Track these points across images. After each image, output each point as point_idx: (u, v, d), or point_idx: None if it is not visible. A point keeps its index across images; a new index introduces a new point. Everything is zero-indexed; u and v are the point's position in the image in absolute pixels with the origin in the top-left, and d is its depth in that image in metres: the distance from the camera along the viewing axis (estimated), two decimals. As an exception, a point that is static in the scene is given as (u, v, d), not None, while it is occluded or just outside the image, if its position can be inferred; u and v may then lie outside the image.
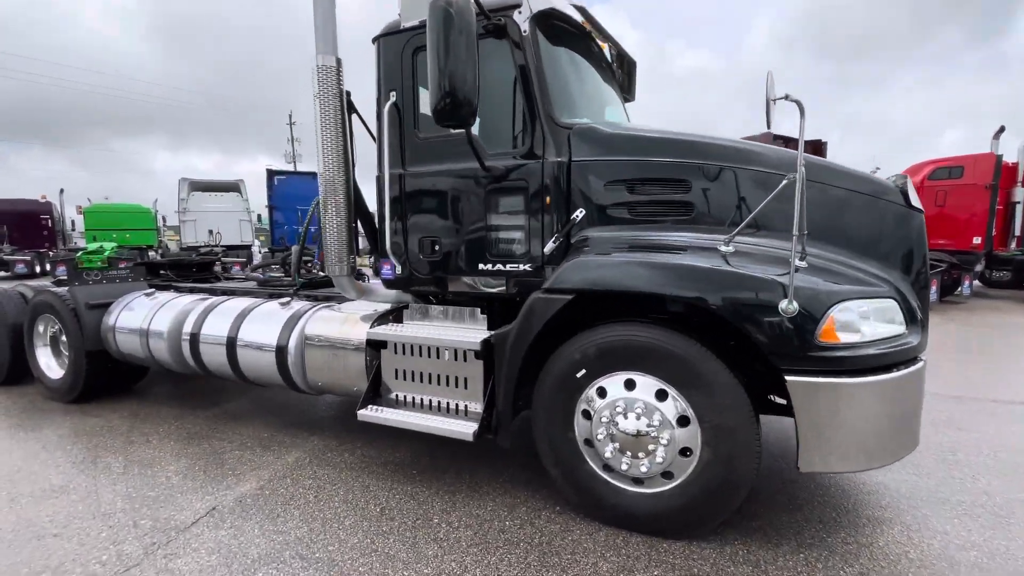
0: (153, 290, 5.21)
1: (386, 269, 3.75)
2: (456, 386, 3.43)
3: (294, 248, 5.63)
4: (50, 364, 5.62)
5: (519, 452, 4.00)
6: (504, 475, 3.69)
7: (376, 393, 3.75)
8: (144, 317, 4.84)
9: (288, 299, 4.40)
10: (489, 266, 3.35)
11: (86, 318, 5.08)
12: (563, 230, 3.10)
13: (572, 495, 3.10)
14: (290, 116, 46.54)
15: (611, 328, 2.88)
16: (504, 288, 3.36)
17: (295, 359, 4.02)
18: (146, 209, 25.29)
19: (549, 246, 3.12)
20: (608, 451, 2.87)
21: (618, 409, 2.83)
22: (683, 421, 2.74)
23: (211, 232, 21.43)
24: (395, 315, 3.97)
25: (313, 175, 22.43)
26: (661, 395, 2.78)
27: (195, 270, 6.71)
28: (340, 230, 3.74)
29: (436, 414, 3.49)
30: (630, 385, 2.84)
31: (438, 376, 3.48)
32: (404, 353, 3.59)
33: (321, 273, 5.66)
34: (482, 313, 3.52)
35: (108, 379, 5.41)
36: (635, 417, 2.80)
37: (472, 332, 3.43)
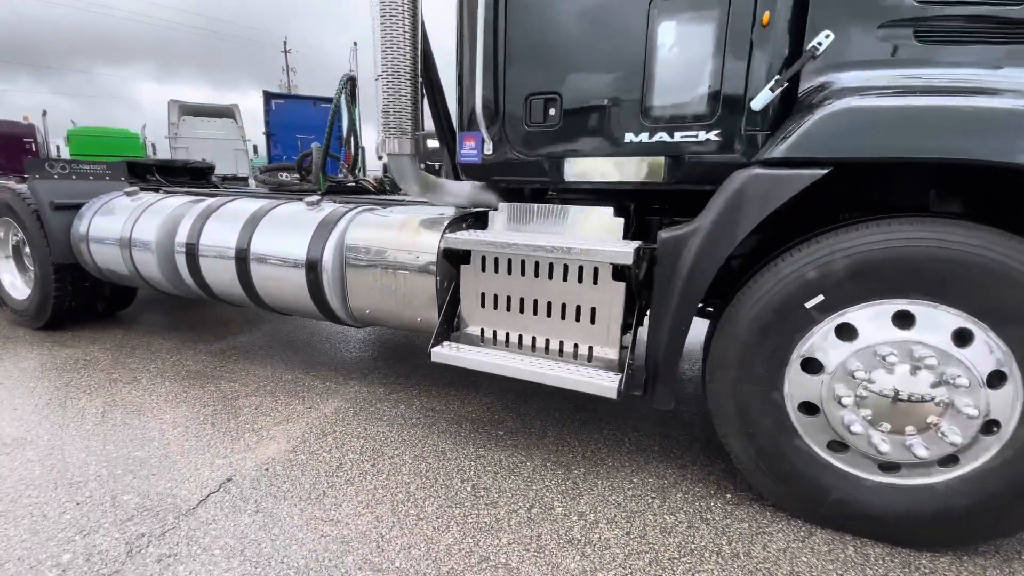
0: (136, 188, 4.01)
1: (467, 149, 2.57)
2: (577, 319, 2.35)
3: (314, 146, 4.40)
4: (14, 281, 4.48)
5: (634, 406, 2.98)
6: (627, 442, 2.68)
7: (448, 326, 2.68)
8: (125, 222, 3.66)
9: (316, 197, 3.23)
10: (644, 136, 2.18)
11: (52, 222, 3.90)
12: (793, 67, 1.91)
13: (767, 482, 2.07)
14: (284, 43, 43.35)
15: (884, 228, 1.75)
16: (663, 175, 2.21)
17: (332, 279, 2.91)
18: (134, 134, 23.37)
19: (763, 97, 1.94)
20: (850, 420, 1.83)
21: (880, 358, 1.76)
22: (995, 379, 1.69)
23: (203, 160, 19.79)
24: (470, 223, 2.84)
25: (314, 100, 20.51)
26: (962, 337, 1.71)
27: (189, 178, 5.47)
28: (403, 93, 2.53)
29: (540, 357, 2.43)
30: (904, 321, 1.76)
31: (547, 305, 2.39)
32: (497, 271, 2.47)
33: (349, 179, 4.49)
34: (617, 215, 2.39)
35: (85, 301, 4.30)
36: (909, 371, 1.74)
37: (607, 240, 2.32)
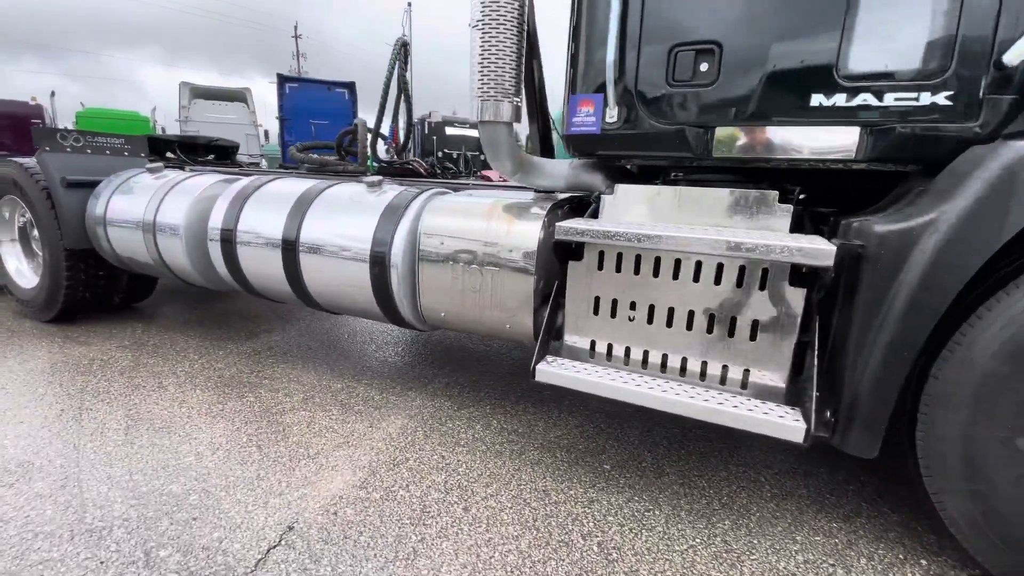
0: (160, 164, 3.50)
1: (581, 116, 2.04)
2: (730, 334, 1.84)
3: (359, 121, 3.89)
4: (20, 267, 4.00)
5: (751, 434, 2.48)
6: (765, 483, 2.18)
7: (549, 336, 2.18)
8: (148, 203, 3.17)
9: (377, 178, 2.72)
10: (839, 99, 1.65)
11: (64, 202, 3.41)
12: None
13: (994, 552, 1.57)
14: (295, 28, 42.64)
15: None
16: (858, 150, 1.69)
17: (402, 274, 2.41)
18: (144, 117, 22.83)
19: (1021, 49, 1.42)
20: None
21: None
22: None
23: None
24: (566, 211, 2.34)
25: (328, 85, 19.90)
26: None
27: (213, 157, 4.97)
28: (506, 45, 2.01)
29: (674, 380, 1.93)
30: None
31: (688, 314, 1.88)
32: (620, 270, 1.97)
33: (396, 159, 3.98)
34: (783, 201, 1.88)
35: (100, 292, 3.82)
36: None
37: (781, 234, 1.81)
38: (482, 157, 15.90)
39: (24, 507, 1.85)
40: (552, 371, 1.97)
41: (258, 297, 3.12)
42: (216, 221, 2.87)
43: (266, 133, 21.20)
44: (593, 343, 2.08)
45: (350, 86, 18.51)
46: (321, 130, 17.89)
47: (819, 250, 1.58)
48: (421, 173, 3.87)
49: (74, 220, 3.42)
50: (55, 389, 2.78)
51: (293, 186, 2.87)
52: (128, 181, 3.41)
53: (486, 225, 2.26)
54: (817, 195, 2.20)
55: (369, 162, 3.55)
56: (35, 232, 3.82)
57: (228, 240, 2.83)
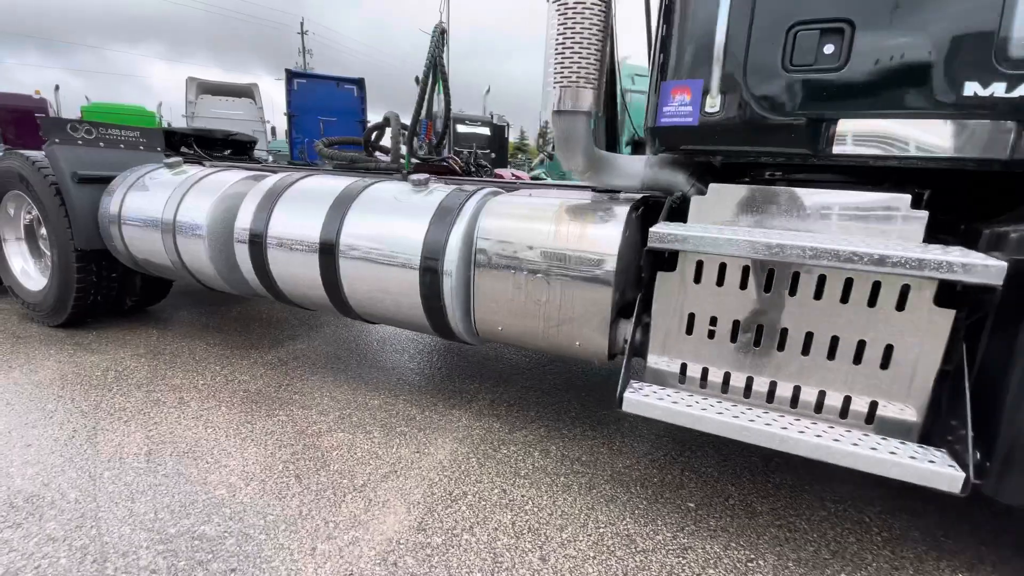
0: (179, 159, 3.24)
1: (674, 105, 1.78)
2: (856, 360, 1.58)
3: (391, 114, 3.63)
4: (26, 268, 3.74)
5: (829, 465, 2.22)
6: (872, 525, 1.92)
7: (631, 358, 1.92)
8: (167, 201, 2.91)
9: (424, 176, 2.46)
10: (997, 88, 1.38)
11: (75, 199, 3.15)
12: None
13: None
14: (301, 25, 42.43)
15: None
16: (1011, 147, 1.43)
17: (456, 284, 2.15)
18: (150, 113, 22.54)
19: None
20: None
21: None
22: None
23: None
24: (640, 213, 2.08)
25: (338, 81, 19.66)
26: None
27: (230, 152, 4.71)
28: (590, 24, 1.75)
29: (785, 412, 1.67)
30: None
31: (806, 336, 1.62)
32: (721, 283, 1.71)
33: (432, 156, 3.73)
34: (916, 207, 1.62)
35: (112, 295, 3.56)
36: None
37: (908, 241, 1.55)
38: (493, 155, 15.49)
39: (34, 554, 1.59)
40: (644, 401, 1.71)
41: (286, 304, 2.86)
42: (244, 221, 2.61)
43: (272, 130, 20.93)
44: (684, 366, 1.82)
45: (359, 82, 18.20)
46: (329, 127, 17.61)
47: (985, 266, 1.32)
48: (456, 171, 3.62)
49: (86, 218, 3.16)
50: (66, 405, 2.52)
51: (329, 184, 2.61)
52: (145, 177, 3.15)
53: (554, 228, 2.00)
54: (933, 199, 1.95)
55: (404, 159, 3.28)
56: (43, 230, 3.56)
57: (257, 242, 2.56)
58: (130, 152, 3.54)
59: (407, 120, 3.36)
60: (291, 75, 18.85)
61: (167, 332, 3.61)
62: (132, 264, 3.28)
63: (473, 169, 3.79)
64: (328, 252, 2.38)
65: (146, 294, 3.82)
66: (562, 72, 1.79)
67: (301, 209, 2.51)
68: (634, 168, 2.09)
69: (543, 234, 2.01)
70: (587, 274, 1.91)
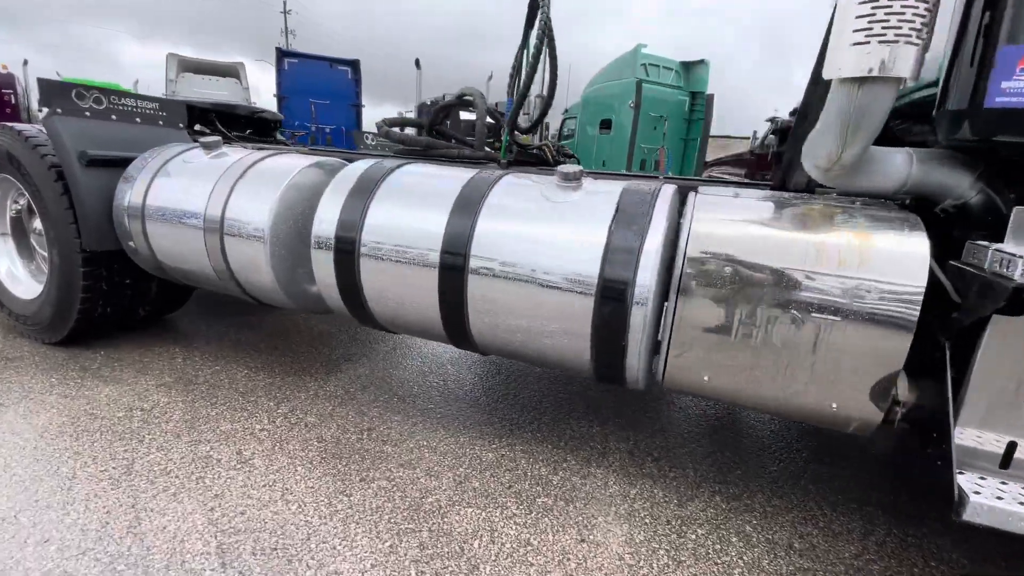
0: (218, 139, 2.54)
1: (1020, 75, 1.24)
2: None
3: (473, 91, 3.01)
4: (14, 270, 3.00)
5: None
6: None
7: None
8: (214, 193, 2.23)
9: (577, 168, 1.85)
10: None
11: (83, 185, 2.44)
12: None
13: None
14: (284, 4, 40.65)
15: None
16: None
17: (650, 316, 1.57)
18: (126, 90, 21.17)
19: None
20: None
21: None
22: None
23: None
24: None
25: (331, 62, 18.62)
26: None
27: (251, 132, 3.98)
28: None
29: None
30: None
31: None
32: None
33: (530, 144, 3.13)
34: None
35: (124, 305, 2.87)
36: None
37: None
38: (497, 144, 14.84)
39: None
40: (1009, 510, 1.17)
41: (370, 326, 2.23)
42: (326, 222, 1.96)
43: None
44: (1013, 446, 1.29)
45: (354, 64, 17.25)
46: (322, 110, 16.68)
47: None
48: (548, 161, 3.02)
49: (97, 212, 2.46)
50: (87, 467, 1.86)
51: (440, 176, 1.99)
52: (176, 160, 2.45)
53: (814, 241, 1.43)
54: None
55: (502, 148, 2.66)
56: (36, 224, 2.83)
57: (346, 250, 1.93)
58: (147, 127, 2.82)
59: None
60: (281, 54, 17.77)
61: (193, 352, 2.93)
62: (154, 269, 2.59)
63: (561, 159, 3.20)
64: (455, 267, 1.76)
65: (162, 302, 3.13)
66: (871, 24, 1.22)
67: (409, 208, 1.88)
68: (898, 166, 1.53)
69: (798, 250, 1.44)
70: (875, 311, 1.35)
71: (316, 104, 16.38)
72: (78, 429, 2.08)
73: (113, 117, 2.69)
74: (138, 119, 2.80)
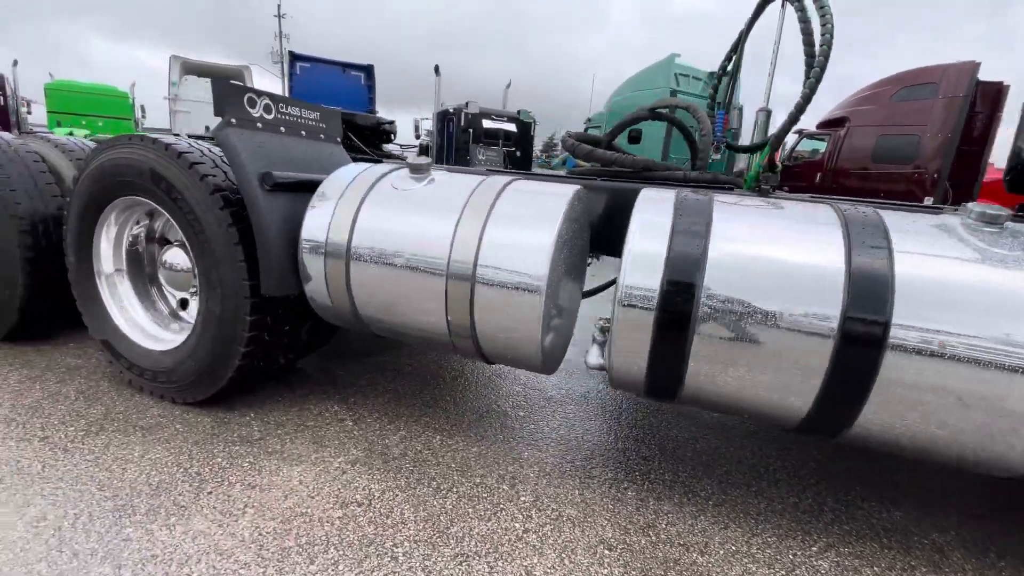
0: (428, 160, 2.04)
1: None
2: None
3: (683, 104, 2.58)
4: (135, 318, 2.44)
5: None
6: None
7: None
8: (453, 230, 1.71)
9: (1010, 212, 1.43)
10: None
11: (266, 215, 1.91)
12: None
13: None
14: (279, 8, 39.73)
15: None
16: None
17: None
18: (123, 92, 20.18)
19: None
20: None
21: None
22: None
23: (207, 128, 17.10)
24: None
25: (343, 67, 18.02)
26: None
27: (376, 138, 3.46)
28: None
29: None
30: None
31: None
32: None
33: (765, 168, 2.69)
34: None
35: (276, 355, 2.34)
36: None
37: None
38: (519, 154, 14.35)
39: None
40: None
41: (666, 401, 1.75)
42: (647, 267, 1.49)
43: None
44: None
45: (368, 69, 16.63)
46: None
47: None
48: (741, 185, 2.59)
49: (280, 249, 1.93)
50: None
51: (797, 210, 1.54)
52: (382, 186, 1.94)
53: None
54: None
55: (755, 166, 2.22)
56: (169, 258, 2.28)
57: (679, 310, 1.46)
58: (312, 142, 2.30)
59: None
60: (294, 58, 17.07)
61: (357, 410, 2.40)
62: (336, 317, 2.06)
63: (768, 185, 2.77)
64: (867, 339, 1.31)
65: (304, 347, 2.59)
66: None
67: (789, 250, 1.43)
68: None
69: None
70: None
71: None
72: (302, 542, 1.57)
73: (282, 129, 2.17)
74: (303, 132, 2.28)
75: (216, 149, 2.11)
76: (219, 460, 1.93)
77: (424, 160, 1.98)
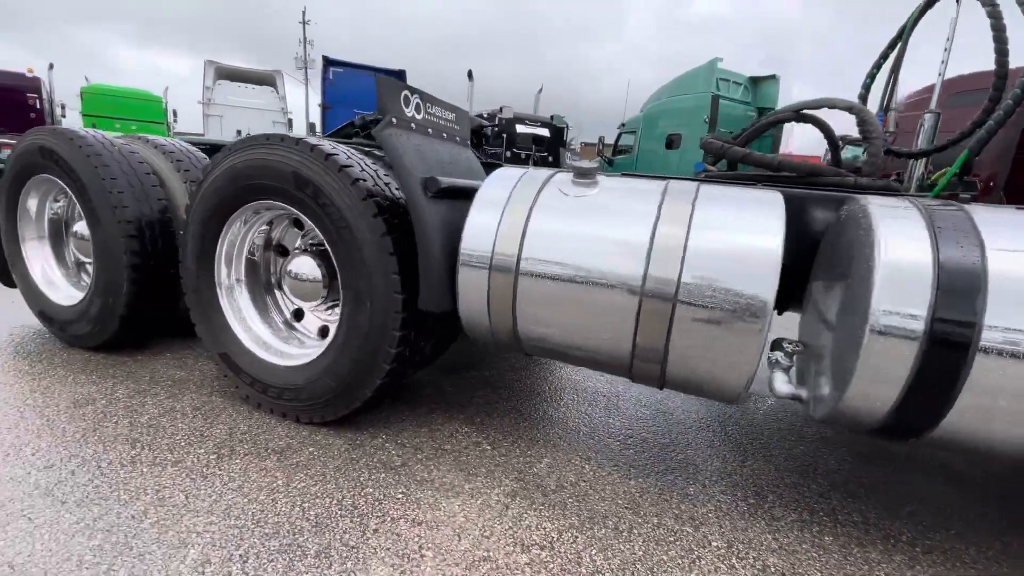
0: (595, 164, 1.85)
1: None
2: None
3: (856, 108, 2.37)
4: (256, 328, 2.26)
5: None
6: None
7: None
8: (649, 243, 1.51)
9: None
10: None
11: (430, 223, 1.74)
12: None
13: None
14: (303, 14, 40.18)
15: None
16: None
17: None
18: (156, 97, 20.43)
19: None
20: None
21: None
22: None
23: (239, 133, 17.18)
24: None
25: (375, 71, 18.06)
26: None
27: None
28: None
29: None
30: None
31: None
32: None
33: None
34: None
35: (414, 370, 2.17)
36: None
37: None
38: (550, 159, 14.13)
39: None
40: None
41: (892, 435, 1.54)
42: (908, 291, 1.29)
43: (290, 122, 19.07)
44: None
45: (399, 74, 16.68)
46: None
47: None
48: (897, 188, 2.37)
49: (440, 260, 1.76)
50: None
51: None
52: (549, 193, 1.75)
53: None
54: None
55: (948, 173, 2.00)
56: (296, 267, 2.12)
57: (957, 340, 1.26)
58: (451, 145, 2.14)
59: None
60: (328, 63, 17.14)
61: (486, 431, 2.21)
62: (492, 337, 1.88)
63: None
64: None
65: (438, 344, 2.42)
66: None
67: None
68: None
69: None
70: None
71: (361, 116, 15.69)
72: (500, 595, 1.38)
73: (429, 131, 2.00)
74: (444, 134, 2.11)
75: (356, 152, 1.95)
76: (370, 490, 1.75)
77: (590, 163, 1.79)
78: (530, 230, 1.70)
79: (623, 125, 14.30)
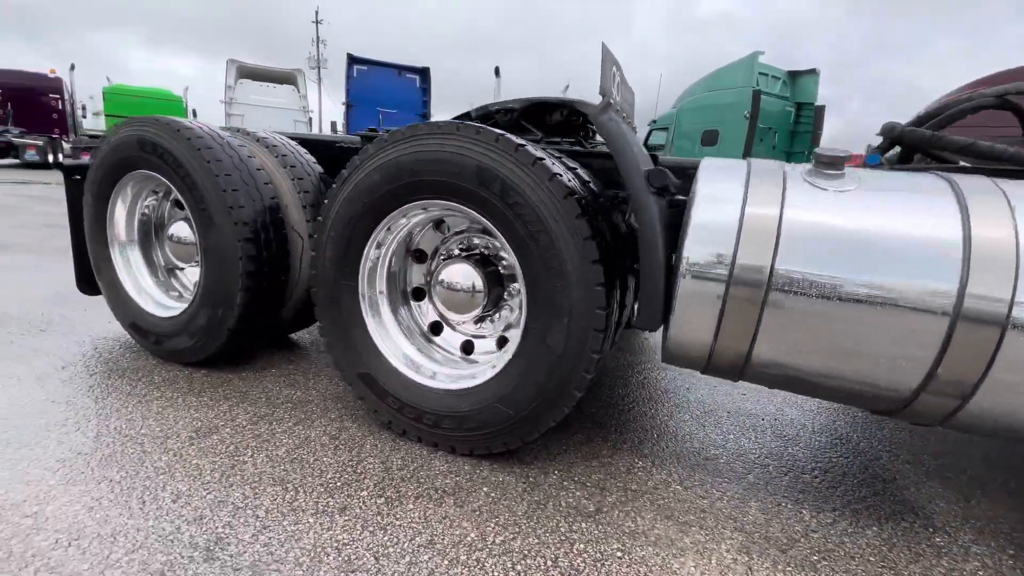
0: (846, 153, 1.56)
1: None
2: None
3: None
4: (403, 346, 1.95)
5: None
6: None
7: None
8: (963, 251, 1.22)
9: None
10: None
11: (655, 222, 1.45)
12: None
13: None
14: (316, 14, 39.96)
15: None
16: None
17: None
18: (177, 97, 20.31)
19: None
20: None
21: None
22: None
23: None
24: None
25: (399, 69, 17.64)
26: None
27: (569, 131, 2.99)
28: None
29: None
30: None
31: None
32: None
33: None
34: None
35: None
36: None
37: None
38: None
39: None
40: None
41: None
42: None
43: (333, 123, 18.85)
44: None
45: (423, 72, 16.38)
46: (389, 121, 15.68)
47: None
48: None
49: (660, 269, 1.47)
50: None
51: None
52: (799, 190, 1.46)
53: None
54: None
55: None
56: (449, 276, 1.82)
57: None
58: (630, 130, 1.84)
59: None
60: (352, 60, 16.83)
61: (657, 454, 1.91)
62: (709, 362, 1.57)
63: None
64: None
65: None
66: None
67: None
68: None
69: None
70: None
71: (384, 113, 15.43)
72: None
73: (624, 115, 1.70)
74: (628, 119, 1.81)
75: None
76: (580, 547, 1.46)
77: (840, 151, 1.48)
78: (785, 233, 1.39)
79: (654, 122, 13.92)
